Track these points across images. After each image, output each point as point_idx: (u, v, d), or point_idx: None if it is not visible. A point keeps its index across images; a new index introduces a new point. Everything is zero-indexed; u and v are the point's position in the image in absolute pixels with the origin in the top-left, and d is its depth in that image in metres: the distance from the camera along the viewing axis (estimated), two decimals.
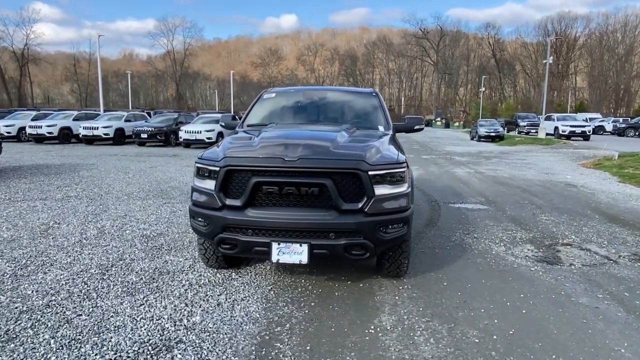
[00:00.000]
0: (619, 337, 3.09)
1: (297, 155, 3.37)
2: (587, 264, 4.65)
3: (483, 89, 72.65)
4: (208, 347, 2.86)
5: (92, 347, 2.83)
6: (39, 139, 22.13)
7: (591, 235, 5.79)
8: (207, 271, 4.22)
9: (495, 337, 3.06)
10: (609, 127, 39.68)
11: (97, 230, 5.64)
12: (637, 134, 33.71)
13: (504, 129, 34.52)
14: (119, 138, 22.08)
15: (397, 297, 3.70)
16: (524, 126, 37.88)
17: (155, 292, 3.72)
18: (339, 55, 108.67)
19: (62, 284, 3.86)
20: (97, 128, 21.53)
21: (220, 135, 20.03)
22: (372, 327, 3.18)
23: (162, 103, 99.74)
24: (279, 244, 3.37)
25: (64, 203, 7.28)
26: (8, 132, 22.80)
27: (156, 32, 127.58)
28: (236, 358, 2.76)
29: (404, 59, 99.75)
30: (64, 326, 3.09)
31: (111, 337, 2.95)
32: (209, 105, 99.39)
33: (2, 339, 2.90)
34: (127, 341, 2.91)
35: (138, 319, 3.23)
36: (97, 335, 2.97)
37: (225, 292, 3.75)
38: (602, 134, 36.53)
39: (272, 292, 3.80)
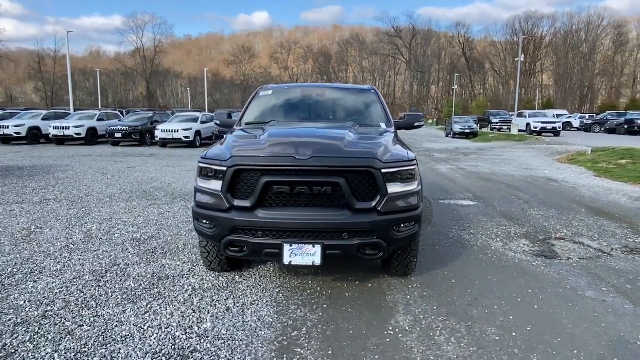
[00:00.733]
0: (631, 330, 3.13)
1: (308, 153, 3.26)
2: (583, 257, 4.74)
3: (456, 87, 74.02)
4: (226, 356, 2.73)
5: None
6: (6, 140, 21.07)
7: (581, 229, 5.91)
8: (208, 275, 4.07)
9: (514, 334, 3.04)
10: (576, 123, 41.02)
11: (83, 235, 5.37)
12: (602, 129, 34.98)
13: (477, 126, 35.21)
14: (92, 138, 21.26)
15: (408, 297, 3.65)
16: (496, 123, 38.80)
17: (158, 299, 3.55)
18: (312, 53, 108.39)
19: (56, 292, 3.64)
20: (69, 128, 20.67)
21: (197, 134, 19.59)
22: (391, 328, 3.12)
23: (132, 102, 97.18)
24: (291, 245, 3.26)
25: (43, 206, 6.93)
26: None
27: (125, 28, 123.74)
28: None
29: (377, 57, 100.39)
30: (67, 338, 2.89)
31: (120, 349, 2.77)
32: (181, 103, 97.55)
33: (0, 355, 2.68)
34: (138, 352, 2.74)
35: (145, 327, 3.06)
36: (104, 347, 2.79)
37: (232, 297, 3.61)
38: (569, 130, 37.72)
39: (280, 295, 3.69)
